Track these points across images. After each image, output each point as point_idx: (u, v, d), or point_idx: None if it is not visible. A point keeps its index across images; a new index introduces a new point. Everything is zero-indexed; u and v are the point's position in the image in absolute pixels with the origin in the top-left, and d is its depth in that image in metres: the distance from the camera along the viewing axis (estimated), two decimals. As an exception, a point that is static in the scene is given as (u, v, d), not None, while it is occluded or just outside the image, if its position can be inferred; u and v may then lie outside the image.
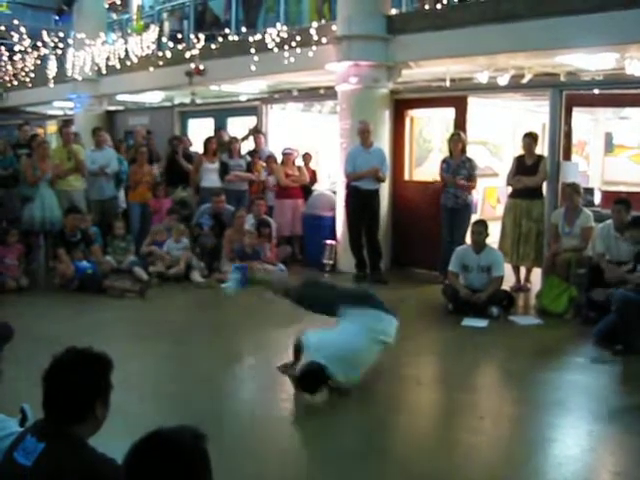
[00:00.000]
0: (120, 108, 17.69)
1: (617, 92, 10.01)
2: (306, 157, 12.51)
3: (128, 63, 15.57)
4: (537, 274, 9.61)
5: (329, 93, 12.52)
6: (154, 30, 15.62)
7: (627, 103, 10.63)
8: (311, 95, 14.65)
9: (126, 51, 15.69)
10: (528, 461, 4.62)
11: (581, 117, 11.88)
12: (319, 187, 12.61)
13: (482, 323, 8.09)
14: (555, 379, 6.37)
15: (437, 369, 7.16)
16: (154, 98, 17.43)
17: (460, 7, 10.27)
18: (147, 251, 10.58)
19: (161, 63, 14.77)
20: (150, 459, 2.12)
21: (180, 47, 14.61)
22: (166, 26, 16.26)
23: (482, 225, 8.75)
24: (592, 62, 10.40)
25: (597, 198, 9.86)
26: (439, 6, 10.42)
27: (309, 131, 14.24)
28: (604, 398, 5.94)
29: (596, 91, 9.96)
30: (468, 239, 9.24)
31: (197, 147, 12.90)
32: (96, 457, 2.61)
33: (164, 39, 15.42)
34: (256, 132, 12.91)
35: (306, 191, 12.05)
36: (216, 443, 4.29)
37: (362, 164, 10.27)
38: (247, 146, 12.80)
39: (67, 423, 2.63)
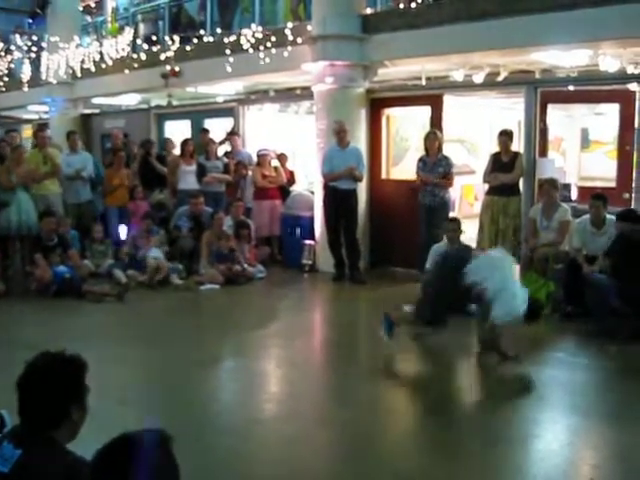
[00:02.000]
0: (96, 111, 17.57)
1: (591, 88, 10.08)
2: (281, 158, 12.47)
3: (103, 66, 15.47)
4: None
5: (305, 93, 12.53)
6: (129, 32, 15.53)
7: (601, 99, 10.70)
8: (287, 96, 14.66)
9: (101, 54, 15.58)
10: (509, 457, 4.65)
11: (557, 113, 11.95)
12: (297, 187, 12.60)
13: None
14: (535, 374, 6.41)
15: (416, 367, 7.17)
16: (130, 101, 17.35)
17: (434, 6, 10.28)
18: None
19: (136, 65, 14.70)
20: (112, 462, 2.11)
21: (155, 49, 14.55)
22: (141, 28, 16.17)
23: (455, 222, 8.79)
24: (566, 59, 10.45)
25: (574, 193, 9.91)
26: (414, 5, 10.43)
27: (286, 132, 14.23)
28: (583, 393, 6.00)
29: (571, 88, 10.01)
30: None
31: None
32: (75, 461, 2.59)
33: (139, 41, 15.33)
34: (232, 134, 12.90)
35: (284, 192, 12.04)
36: (196, 445, 4.32)
37: (339, 164, 10.28)
38: (224, 148, 12.79)
39: (43, 428, 2.61)
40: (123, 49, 15.26)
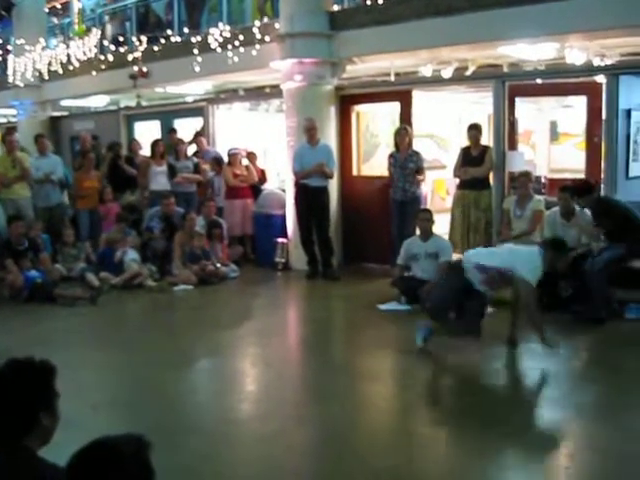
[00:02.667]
0: (65, 113, 17.43)
1: (559, 81, 10.14)
2: (250, 156, 12.42)
3: (71, 68, 15.36)
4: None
5: (275, 92, 12.51)
6: (96, 33, 15.42)
7: (569, 92, 10.76)
8: (257, 94, 14.63)
9: (68, 56, 15.47)
10: (487, 448, 4.67)
11: (526, 107, 12.01)
12: (268, 186, 12.58)
13: (403, 307, 8.42)
14: (510, 366, 6.45)
15: (391, 363, 7.17)
16: (99, 102, 17.22)
17: (401, 1, 10.29)
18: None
19: (104, 67, 14.60)
20: (89, 467, 2.10)
21: (123, 50, 14.46)
22: (108, 29, 16.04)
23: (427, 212, 8.87)
24: (533, 52, 10.50)
25: (544, 185, 9.98)
26: (381, 1, 10.43)
27: (257, 130, 14.20)
28: (559, 383, 6.04)
29: (538, 81, 10.07)
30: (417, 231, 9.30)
31: (145, 151, 12.78)
32: (46, 467, 2.56)
33: (106, 42, 15.22)
34: (197, 135, 12.87)
35: (255, 190, 12.01)
36: (171, 446, 4.31)
37: (309, 161, 10.29)
38: (194, 148, 12.76)
39: (13, 435, 2.58)
40: (90, 50, 15.15)
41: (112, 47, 14.91)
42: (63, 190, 11.86)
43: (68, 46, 15.69)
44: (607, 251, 7.83)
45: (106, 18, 16.52)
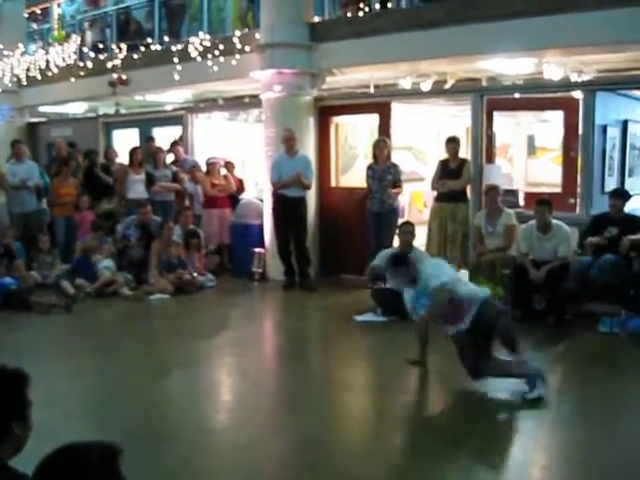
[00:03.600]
0: (43, 120, 17.34)
1: (536, 96, 10.24)
2: (228, 166, 12.41)
3: (49, 74, 15.26)
4: (464, 276, 9.73)
5: (254, 101, 12.49)
6: (76, 40, 15.37)
7: (546, 106, 10.87)
8: (236, 104, 14.61)
9: (47, 61, 15.38)
10: (461, 458, 4.68)
11: (504, 120, 12.10)
12: (246, 196, 12.56)
13: (379, 318, 8.46)
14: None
15: (367, 373, 7.18)
16: (78, 109, 17.14)
17: (382, 14, 10.37)
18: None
19: (83, 73, 14.52)
20: (54, 472, 2.09)
21: (102, 57, 14.42)
22: (88, 36, 16.00)
23: (410, 225, 8.84)
24: (512, 67, 10.59)
25: (521, 199, 10.05)
26: (361, 13, 10.52)
27: (235, 140, 14.19)
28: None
29: (516, 95, 10.15)
30: (395, 243, 9.31)
31: (123, 158, 12.73)
32: (17, 478, 2.54)
33: (86, 49, 15.17)
34: (174, 144, 12.85)
35: (233, 200, 12.00)
36: (145, 455, 4.28)
37: (287, 172, 10.30)
38: (171, 157, 12.73)
39: (-16, 446, 2.55)
40: (70, 57, 15.08)
41: (92, 54, 14.84)
42: (41, 197, 11.77)
43: (47, 52, 15.58)
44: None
45: (86, 25, 16.48)
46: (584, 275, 7.92)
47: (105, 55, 14.48)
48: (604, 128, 9.38)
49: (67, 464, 2.10)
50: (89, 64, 14.52)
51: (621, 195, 8.28)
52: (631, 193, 8.47)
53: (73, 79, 14.67)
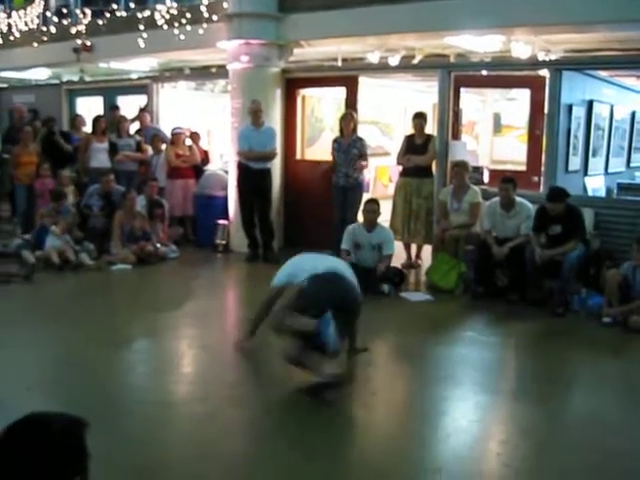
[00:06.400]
0: (4, 85, 17.02)
1: (503, 74, 10.27)
2: (194, 136, 12.30)
3: (11, 38, 14.99)
4: (428, 251, 9.78)
5: (221, 72, 12.38)
6: (39, 4, 15.06)
7: (513, 84, 10.91)
8: (203, 74, 14.49)
9: (9, 26, 15.10)
10: (418, 434, 4.71)
11: (471, 98, 12.15)
12: (211, 167, 12.46)
13: None
14: (446, 353, 6.52)
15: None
16: (40, 75, 16.85)
17: (351, -14, 10.30)
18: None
19: (46, 39, 14.28)
20: (14, 440, 2.05)
21: (66, 22, 14.16)
22: (52, 0, 15.71)
23: (375, 204, 8.83)
24: (480, 44, 10.61)
25: (485, 176, 10.09)
26: (330, -15, 10.43)
27: (201, 110, 14.06)
28: (492, 370, 6.14)
29: (484, 72, 10.16)
30: (360, 217, 9.31)
31: (87, 127, 12.54)
32: None
33: (49, 14, 14.88)
34: (141, 110, 12.70)
35: (198, 171, 11.90)
36: (104, 428, 4.24)
37: (254, 144, 10.21)
38: (136, 126, 12.57)
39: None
40: (32, 21, 14.79)
41: (55, 19, 14.58)
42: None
43: (9, 16, 15.29)
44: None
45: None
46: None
47: (69, 20, 14.20)
48: (570, 107, 9.45)
49: (29, 433, 2.07)
50: (52, 29, 14.27)
51: (559, 198, 8.02)
52: (569, 191, 8.18)
53: (36, 44, 14.41)
